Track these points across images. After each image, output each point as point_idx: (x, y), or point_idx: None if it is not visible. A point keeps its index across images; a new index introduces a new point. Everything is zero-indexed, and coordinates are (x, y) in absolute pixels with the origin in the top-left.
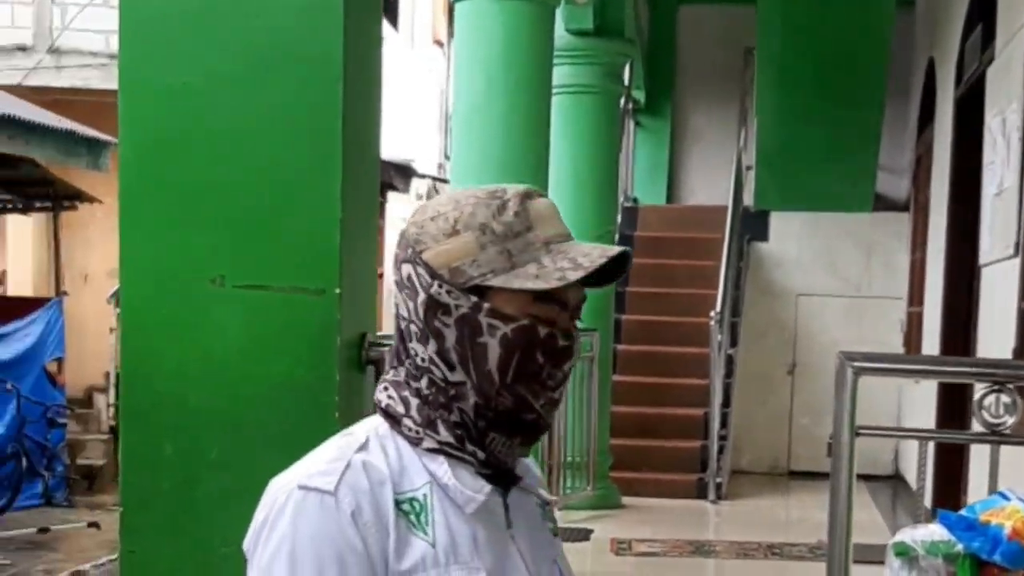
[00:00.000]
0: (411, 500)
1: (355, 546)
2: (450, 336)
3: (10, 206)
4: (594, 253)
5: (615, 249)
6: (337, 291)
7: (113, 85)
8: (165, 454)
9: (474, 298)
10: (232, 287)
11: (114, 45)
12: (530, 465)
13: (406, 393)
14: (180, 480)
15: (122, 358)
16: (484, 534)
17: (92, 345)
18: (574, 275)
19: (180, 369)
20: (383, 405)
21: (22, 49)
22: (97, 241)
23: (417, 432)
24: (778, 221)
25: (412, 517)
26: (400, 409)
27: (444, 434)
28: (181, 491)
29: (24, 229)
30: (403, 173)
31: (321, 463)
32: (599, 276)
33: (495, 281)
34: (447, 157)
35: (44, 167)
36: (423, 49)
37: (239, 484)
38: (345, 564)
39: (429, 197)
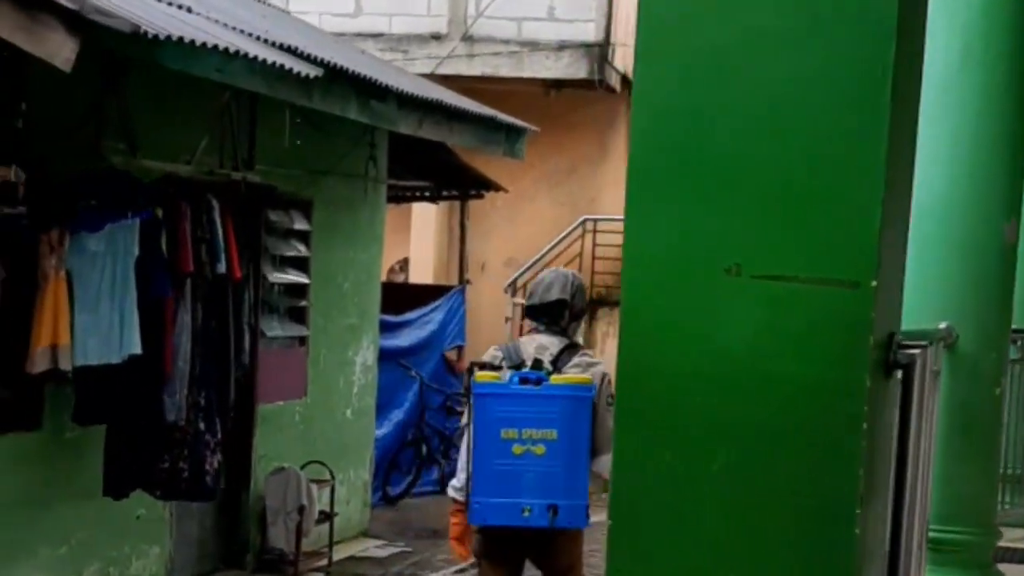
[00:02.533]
0: None
1: None
2: None
3: (419, 194)
4: None
5: None
6: (873, 284)
7: (522, 73)
8: (663, 462)
9: None
10: (750, 277)
11: (526, 33)
12: None
13: None
14: (678, 492)
15: (619, 354)
16: None
17: (487, 334)
18: None
19: (685, 368)
20: None
21: (436, 37)
22: (496, 230)
23: None
24: None
25: None
26: None
27: None
28: (679, 504)
29: (428, 217)
30: None
31: None
32: None
33: None
34: None
35: (456, 155)
36: None
37: (745, 500)
38: None
39: None
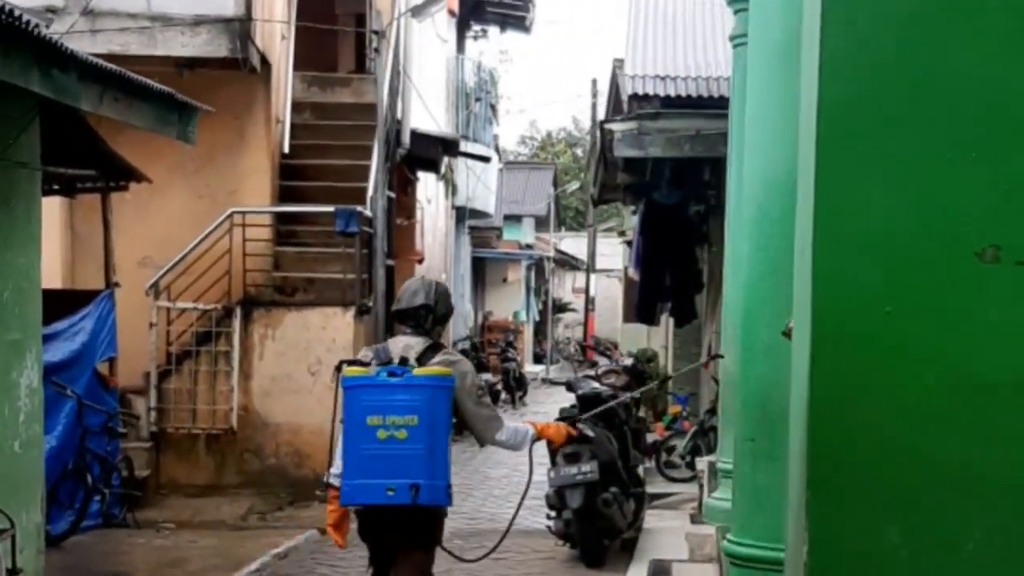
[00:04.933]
0: None
1: None
2: None
3: (56, 187)
4: None
5: None
6: None
7: (155, 51)
8: (888, 543)
9: None
10: (1014, 264)
11: (156, 6)
12: None
13: None
14: None
15: (812, 385)
16: None
17: (128, 340)
18: None
19: (916, 400)
20: None
21: (52, 11)
22: (126, 227)
23: None
24: None
25: None
26: None
27: None
28: None
29: (49, 214)
30: (450, 149)
31: None
32: None
33: None
34: (464, 136)
35: (104, 141)
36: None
37: None
38: None
39: (446, 178)
